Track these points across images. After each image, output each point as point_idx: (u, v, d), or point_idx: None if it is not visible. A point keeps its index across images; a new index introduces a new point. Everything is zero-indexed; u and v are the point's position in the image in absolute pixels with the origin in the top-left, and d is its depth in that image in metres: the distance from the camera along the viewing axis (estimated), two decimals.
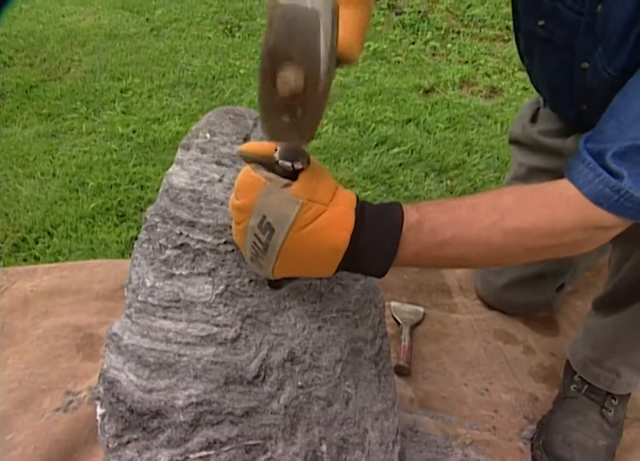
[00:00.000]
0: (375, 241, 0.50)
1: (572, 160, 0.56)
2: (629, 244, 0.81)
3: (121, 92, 2.01)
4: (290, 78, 0.41)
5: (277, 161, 0.49)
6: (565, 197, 0.54)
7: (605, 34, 0.64)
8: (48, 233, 1.35)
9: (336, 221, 0.48)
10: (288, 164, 0.48)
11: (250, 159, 0.51)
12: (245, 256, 0.53)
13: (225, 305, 0.56)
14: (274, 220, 0.47)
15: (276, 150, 0.50)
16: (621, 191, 0.52)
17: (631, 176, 0.52)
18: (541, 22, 0.73)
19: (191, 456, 0.52)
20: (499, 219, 0.52)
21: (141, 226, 1.52)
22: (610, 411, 0.88)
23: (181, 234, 0.59)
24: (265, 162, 0.50)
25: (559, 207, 0.54)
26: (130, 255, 1.31)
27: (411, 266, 0.56)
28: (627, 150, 0.53)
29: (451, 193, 1.53)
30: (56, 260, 1.26)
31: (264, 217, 0.48)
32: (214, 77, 2.11)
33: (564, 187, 0.55)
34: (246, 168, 0.50)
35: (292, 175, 0.49)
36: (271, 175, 0.49)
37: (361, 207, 0.50)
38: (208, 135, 0.68)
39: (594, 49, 0.67)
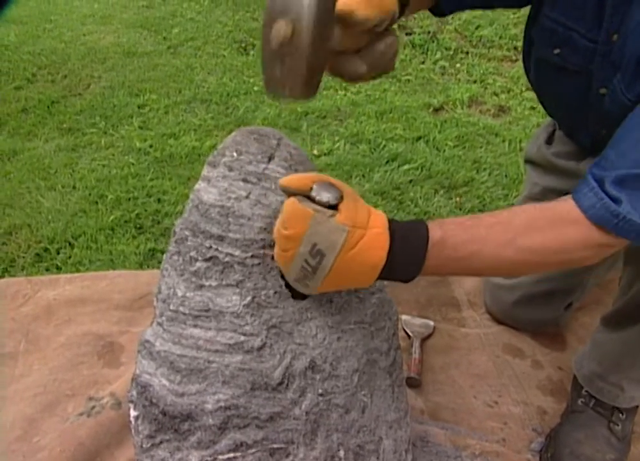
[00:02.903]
0: (405, 256, 0.56)
1: (580, 183, 0.60)
2: (636, 267, 0.83)
3: (139, 108, 2.07)
4: (280, 28, 0.50)
5: (314, 199, 0.55)
6: (572, 218, 0.59)
7: (622, 62, 0.67)
8: (69, 244, 1.40)
9: (375, 242, 0.54)
10: (325, 201, 0.54)
11: (291, 192, 0.56)
12: (288, 277, 0.58)
13: (252, 315, 0.59)
14: (325, 246, 0.53)
15: (311, 188, 0.55)
16: (620, 215, 0.56)
17: (630, 202, 0.56)
18: (556, 51, 0.75)
19: (220, 457, 0.55)
20: (512, 238, 0.58)
21: (158, 239, 1.56)
22: (618, 425, 0.90)
23: (210, 247, 0.62)
24: (305, 194, 0.56)
25: (566, 228, 0.59)
26: (148, 266, 1.36)
27: (432, 275, 0.64)
28: (625, 177, 0.57)
29: (460, 209, 1.57)
30: (77, 270, 1.30)
31: (315, 244, 0.53)
32: (228, 94, 2.18)
33: (571, 207, 0.59)
34: (292, 201, 0.55)
35: (329, 207, 0.55)
36: (318, 207, 0.54)
37: (393, 227, 0.56)
38: (234, 154, 0.71)
39: (613, 76, 0.69)
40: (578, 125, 0.86)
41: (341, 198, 0.55)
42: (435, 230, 0.57)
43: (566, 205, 0.60)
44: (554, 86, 0.83)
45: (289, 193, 0.56)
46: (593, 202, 0.58)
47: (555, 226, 0.59)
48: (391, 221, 0.57)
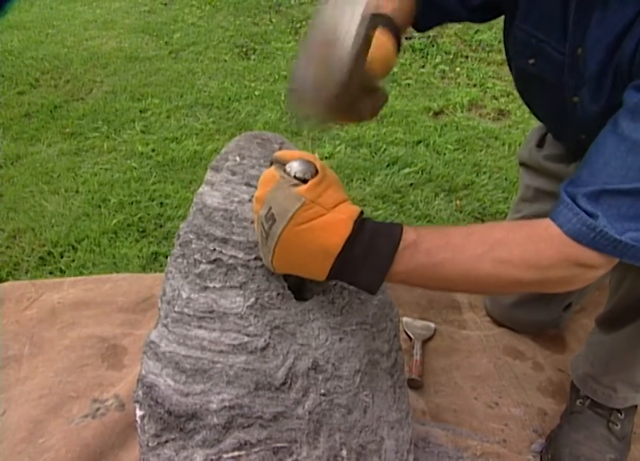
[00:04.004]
0: (370, 253, 0.54)
1: (556, 202, 0.61)
2: (622, 270, 0.84)
3: (141, 112, 2.09)
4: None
5: (284, 168, 0.56)
6: (549, 234, 0.58)
7: (586, 74, 0.70)
8: (73, 247, 1.41)
9: (332, 226, 0.53)
10: (293, 173, 0.55)
11: (277, 161, 0.58)
12: (258, 246, 0.59)
13: (255, 316, 0.60)
14: (277, 212, 0.53)
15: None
16: (597, 228, 0.56)
17: (605, 216, 0.56)
18: (531, 61, 0.77)
19: (224, 455, 0.56)
20: (489, 250, 0.56)
21: (160, 242, 1.57)
22: (617, 425, 0.91)
23: (214, 249, 0.63)
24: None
25: (543, 243, 0.58)
26: (151, 270, 1.37)
27: (403, 284, 0.60)
28: (600, 193, 0.58)
29: (460, 212, 1.58)
30: (80, 274, 1.31)
31: (270, 208, 0.54)
32: (229, 98, 2.19)
33: (548, 225, 0.59)
34: (270, 168, 0.57)
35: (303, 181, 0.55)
36: (285, 174, 0.55)
37: (363, 221, 0.55)
38: (237, 158, 0.72)
39: (581, 86, 0.72)
40: (561, 129, 0.88)
41: (312, 175, 0.54)
42: (409, 233, 0.56)
43: (544, 223, 0.60)
44: (534, 94, 0.85)
45: (276, 161, 0.58)
46: (569, 217, 0.58)
47: (534, 241, 0.58)
48: (365, 218, 0.55)
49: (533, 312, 1.12)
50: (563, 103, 0.77)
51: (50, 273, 1.33)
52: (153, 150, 1.84)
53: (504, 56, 2.73)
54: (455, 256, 0.56)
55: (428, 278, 0.58)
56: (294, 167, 0.55)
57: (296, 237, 0.53)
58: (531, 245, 0.57)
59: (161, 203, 1.58)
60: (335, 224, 0.53)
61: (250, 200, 0.67)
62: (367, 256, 0.54)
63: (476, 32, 2.73)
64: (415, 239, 0.56)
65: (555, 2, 0.70)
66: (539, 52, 0.75)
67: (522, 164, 1.09)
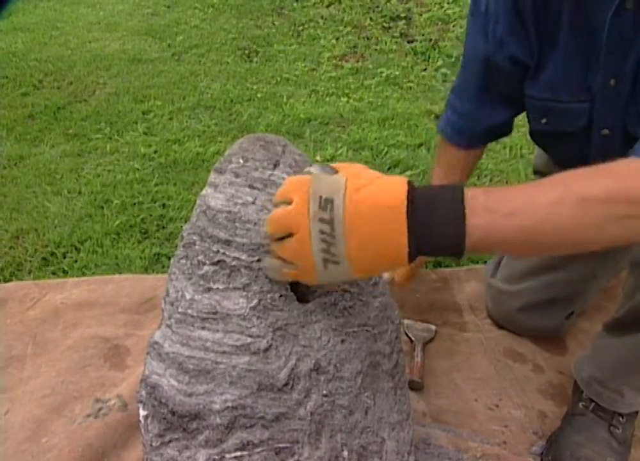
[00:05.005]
0: (437, 202, 0.49)
1: (636, 145, 0.57)
2: (638, 276, 0.84)
3: (144, 114, 2.10)
4: None
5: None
6: (635, 169, 0.52)
7: (631, 100, 0.71)
8: (76, 248, 1.42)
9: (388, 185, 0.51)
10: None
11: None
12: (318, 271, 0.54)
13: (258, 317, 0.61)
14: (330, 192, 0.51)
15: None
16: None
17: None
18: (543, 120, 0.80)
19: (227, 456, 0.56)
20: (565, 190, 0.50)
21: (163, 243, 1.57)
22: (618, 429, 0.91)
23: (218, 251, 0.64)
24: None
25: (629, 176, 0.51)
26: (153, 271, 1.37)
27: (481, 247, 0.51)
28: None
29: None
30: (83, 274, 1.32)
31: (321, 197, 0.51)
32: (232, 101, 2.20)
33: (631, 161, 0.53)
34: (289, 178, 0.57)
35: None
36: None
37: (412, 183, 0.51)
38: (241, 160, 0.73)
39: (616, 115, 0.73)
40: (576, 164, 0.90)
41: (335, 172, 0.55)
42: (472, 188, 0.51)
43: (626, 160, 0.53)
44: (555, 148, 0.89)
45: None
46: None
47: (617, 176, 0.51)
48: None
49: (536, 318, 1.12)
50: (588, 143, 0.79)
51: (53, 273, 1.33)
52: (155, 152, 1.85)
53: None
54: (531, 201, 0.50)
55: (505, 231, 0.50)
56: (316, 168, 0.56)
57: (359, 204, 0.50)
58: (614, 179, 0.50)
59: (163, 204, 1.59)
60: (390, 182, 0.51)
61: (253, 203, 0.68)
62: (435, 205, 0.49)
63: None
64: (482, 190, 0.51)
65: (565, 58, 0.73)
66: (547, 110, 0.78)
67: (539, 172, 1.08)
